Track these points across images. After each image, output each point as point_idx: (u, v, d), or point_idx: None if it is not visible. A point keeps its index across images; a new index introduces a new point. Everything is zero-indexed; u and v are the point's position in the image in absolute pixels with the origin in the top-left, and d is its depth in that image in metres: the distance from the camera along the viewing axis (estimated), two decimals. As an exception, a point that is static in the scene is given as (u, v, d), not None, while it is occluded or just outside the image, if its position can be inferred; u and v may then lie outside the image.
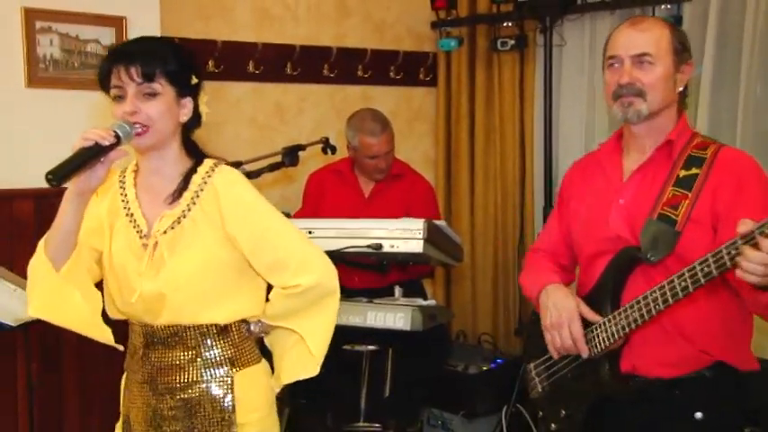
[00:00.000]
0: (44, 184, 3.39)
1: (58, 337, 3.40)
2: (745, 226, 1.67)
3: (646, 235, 1.99)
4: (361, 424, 3.35)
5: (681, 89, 2.07)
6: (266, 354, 2.09)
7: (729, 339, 2.01)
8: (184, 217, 1.88)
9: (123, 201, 1.94)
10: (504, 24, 4.26)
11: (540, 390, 2.25)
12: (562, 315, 2.08)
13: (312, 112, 4.31)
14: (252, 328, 1.99)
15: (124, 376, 2.03)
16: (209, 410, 1.91)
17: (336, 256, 2.96)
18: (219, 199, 1.88)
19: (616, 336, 2.00)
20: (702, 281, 1.78)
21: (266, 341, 2.08)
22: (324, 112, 4.34)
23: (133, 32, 3.49)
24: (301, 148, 3.42)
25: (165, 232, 1.87)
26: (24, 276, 2.96)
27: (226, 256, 1.89)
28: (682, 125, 2.09)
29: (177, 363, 1.91)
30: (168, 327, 1.91)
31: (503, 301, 4.45)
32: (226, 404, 1.91)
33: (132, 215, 1.92)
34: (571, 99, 4.17)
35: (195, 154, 1.95)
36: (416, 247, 2.90)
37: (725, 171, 1.98)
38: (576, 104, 4.14)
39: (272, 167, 3.32)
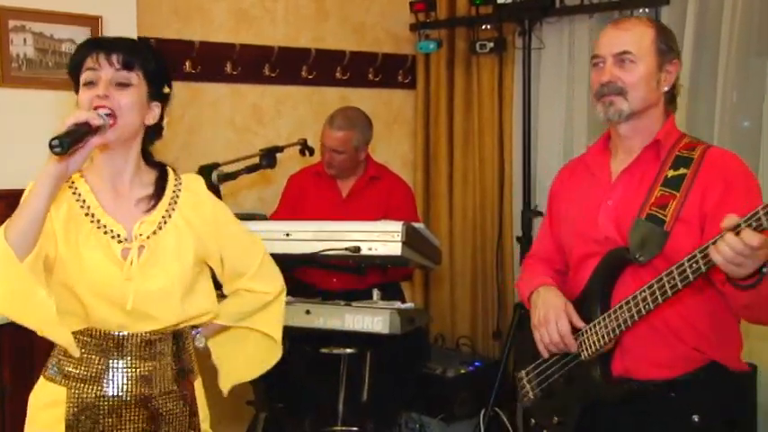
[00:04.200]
0: (17, 185, 3.31)
1: (32, 343, 3.34)
2: (729, 220, 1.69)
3: (634, 235, 1.99)
4: (338, 428, 3.33)
5: (666, 89, 2.06)
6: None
7: (719, 338, 2.03)
8: (165, 223, 1.90)
9: (83, 208, 1.85)
10: (483, 27, 4.25)
11: (531, 397, 2.24)
12: (549, 311, 2.10)
13: (290, 114, 4.29)
14: (197, 343, 2.07)
15: (65, 392, 1.91)
16: (181, 419, 1.95)
17: (314, 259, 2.94)
18: (197, 208, 1.96)
19: (606, 338, 2.01)
20: (691, 277, 1.80)
21: (213, 353, 2.15)
22: (302, 113, 4.32)
23: (109, 32, 3.44)
24: (279, 149, 3.41)
25: (148, 237, 1.86)
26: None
27: (196, 261, 1.94)
28: (669, 125, 2.09)
29: (148, 372, 1.89)
30: (144, 334, 1.88)
31: (481, 304, 4.45)
32: (193, 412, 1.97)
33: (100, 221, 1.84)
34: (550, 102, 4.17)
35: (153, 162, 1.97)
36: (395, 249, 2.89)
37: (713, 171, 1.98)
38: (555, 107, 4.14)
39: (250, 169, 3.34)
